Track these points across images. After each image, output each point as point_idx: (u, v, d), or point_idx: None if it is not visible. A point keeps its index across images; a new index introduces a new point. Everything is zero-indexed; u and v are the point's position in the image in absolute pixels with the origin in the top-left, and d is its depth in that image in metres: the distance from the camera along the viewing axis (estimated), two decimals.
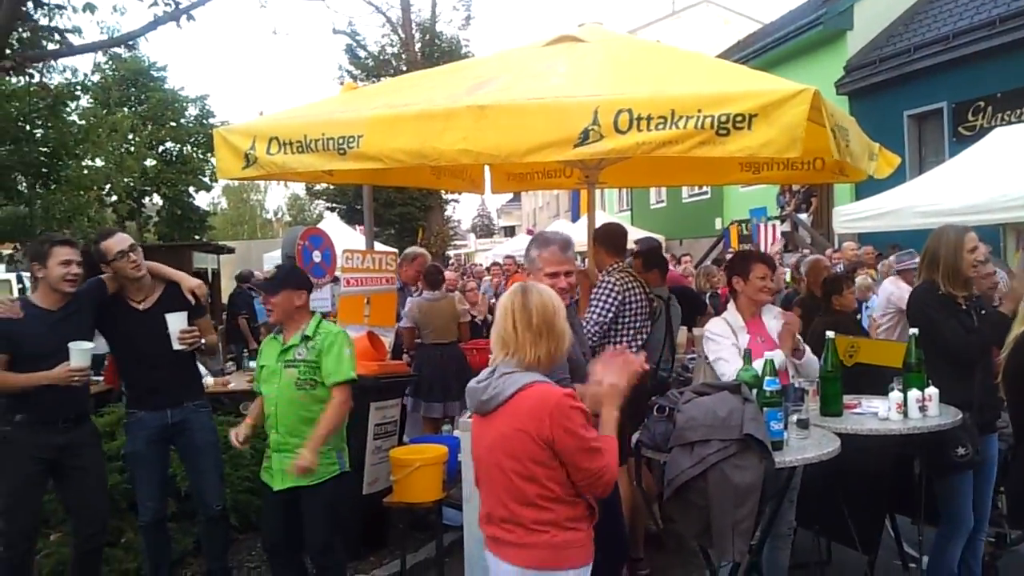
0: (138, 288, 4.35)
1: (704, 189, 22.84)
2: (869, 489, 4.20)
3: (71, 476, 4.14)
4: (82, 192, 14.15)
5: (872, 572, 4.31)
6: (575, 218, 21.51)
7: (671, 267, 8.43)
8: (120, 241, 4.29)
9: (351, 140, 4.05)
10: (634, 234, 14.23)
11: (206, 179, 27.53)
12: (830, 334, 3.99)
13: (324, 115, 4.36)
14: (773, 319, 4.17)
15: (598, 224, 5.37)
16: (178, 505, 5.07)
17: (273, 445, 4.03)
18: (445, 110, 3.89)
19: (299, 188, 51.09)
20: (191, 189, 27.74)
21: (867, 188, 11.10)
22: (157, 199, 27.51)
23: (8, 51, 5.82)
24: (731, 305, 4.25)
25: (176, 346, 4.23)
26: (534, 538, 2.57)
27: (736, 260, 4.48)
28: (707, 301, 8.43)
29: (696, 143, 3.41)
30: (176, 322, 4.24)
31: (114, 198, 21.36)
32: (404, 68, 25.83)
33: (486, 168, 6.65)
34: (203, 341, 4.41)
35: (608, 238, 5.10)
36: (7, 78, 7.28)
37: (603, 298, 4.71)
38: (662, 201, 27.25)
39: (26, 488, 4.01)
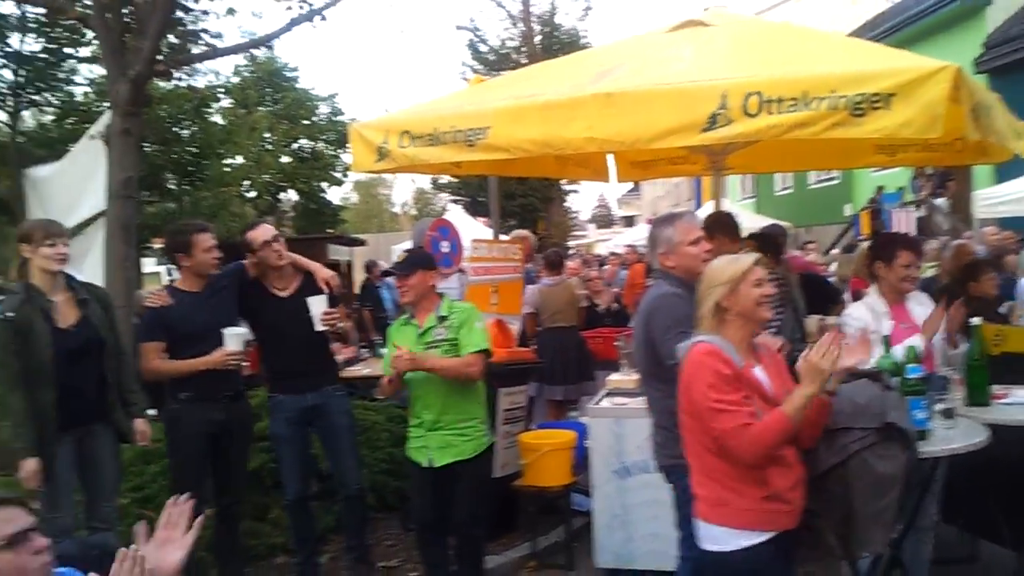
0: (279, 276, 4.59)
1: (833, 174, 21.96)
2: (1020, 484, 3.99)
3: (225, 451, 4.42)
4: (224, 189, 14.99)
5: None
6: (698, 206, 21.13)
7: (795, 253, 8.18)
8: (265, 232, 4.55)
9: (479, 132, 4.14)
10: (759, 222, 13.88)
11: (338, 174, 28.59)
12: (975, 320, 3.80)
13: (453, 108, 4.48)
14: (919, 305, 4.01)
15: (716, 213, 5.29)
16: (319, 485, 5.32)
17: (428, 425, 4.14)
18: (570, 99, 3.93)
19: (424, 182, 52.25)
20: (324, 184, 28.87)
21: (1009, 171, 10.43)
22: (292, 194, 28.74)
23: (159, 56, 6.21)
24: (872, 290, 4.11)
25: (318, 327, 4.44)
26: (700, 489, 2.73)
27: (880, 243, 4.32)
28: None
29: (830, 125, 3.32)
30: (318, 305, 4.45)
31: (253, 194, 22.46)
32: (524, 61, 25.98)
33: (609, 156, 6.64)
34: (341, 324, 4.61)
35: (724, 225, 5.02)
36: (157, 82, 7.75)
37: None
38: (788, 187, 26.37)
39: (194, 460, 4.32)
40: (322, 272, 4.75)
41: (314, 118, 28.64)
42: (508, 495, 5.30)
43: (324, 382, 4.64)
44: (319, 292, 4.60)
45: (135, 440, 4.21)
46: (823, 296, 6.71)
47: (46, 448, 3.78)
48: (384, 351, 8.07)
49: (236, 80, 23.38)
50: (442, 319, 4.15)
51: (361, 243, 16.80)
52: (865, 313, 3.96)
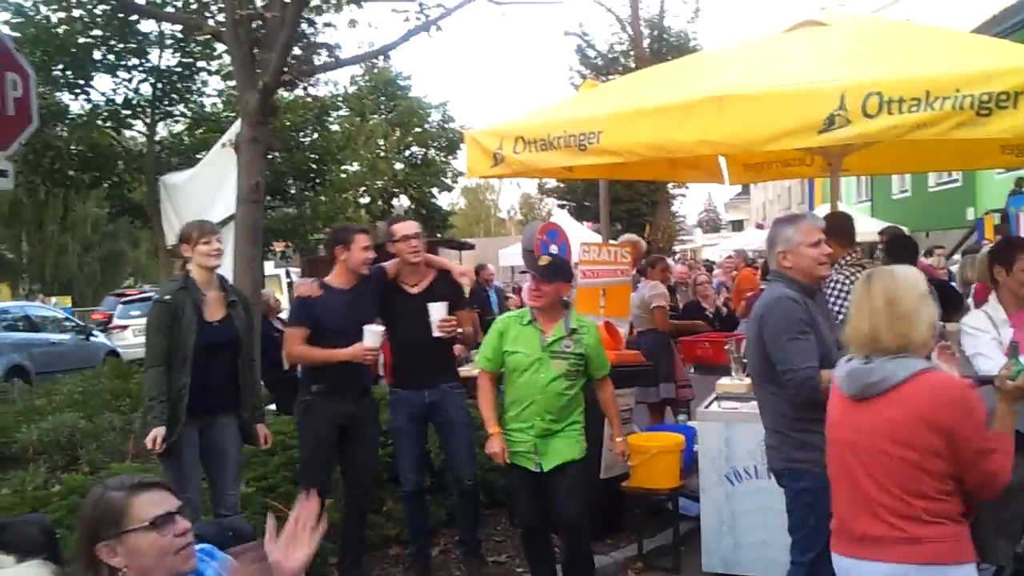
0: (412, 272, 4.77)
1: (954, 176, 20.92)
2: None
3: (353, 442, 4.61)
4: (341, 195, 15.57)
5: None
6: (810, 210, 20.56)
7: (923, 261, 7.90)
8: (408, 226, 4.76)
9: (591, 136, 4.21)
10: (875, 226, 13.39)
11: (448, 180, 29.18)
12: None
13: (565, 113, 4.57)
14: None
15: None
16: (432, 479, 5.48)
17: (538, 431, 4.20)
18: (683, 102, 3.95)
19: (530, 187, 52.55)
20: (434, 190, 29.50)
21: None
22: (404, 200, 29.48)
23: (286, 68, 6.52)
24: (992, 297, 3.96)
25: (436, 333, 4.59)
26: (928, 530, 2.38)
27: (1000, 248, 4.16)
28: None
29: (954, 125, 3.25)
30: (437, 312, 4.60)
31: (367, 200, 23.18)
32: (633, 65, 25.87)
33: (721, 159, 6.60)
34: (460, 330, 4.74)
35: (838, 228, 4.89)
36: (282, 93, 8.15)
37: (837, 297, 4.49)
38: (905, 190, 25.28)
39: (322, 449, 4.54)
40: (457, 269, 4.97)
41: (425, 125, 29.29)
42: (614, 496, 5.33)
43: (443, 379, 4.78)
44: (451, 291, 4.75)
45: (258, 441, 4.46)
46: (945, 302, 6.46)
47: (175, 427, 4.06)
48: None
49: (352, 89, 24.19)
50: (572, 332, 4.20)
51: (469, 247, 17.10)
52: (983, 321, 3.83)
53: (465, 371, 7.15)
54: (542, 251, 6.81)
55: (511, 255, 19.65)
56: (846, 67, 3.80)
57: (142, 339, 13.87)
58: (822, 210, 6.17)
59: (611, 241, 7.75)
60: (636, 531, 5.24)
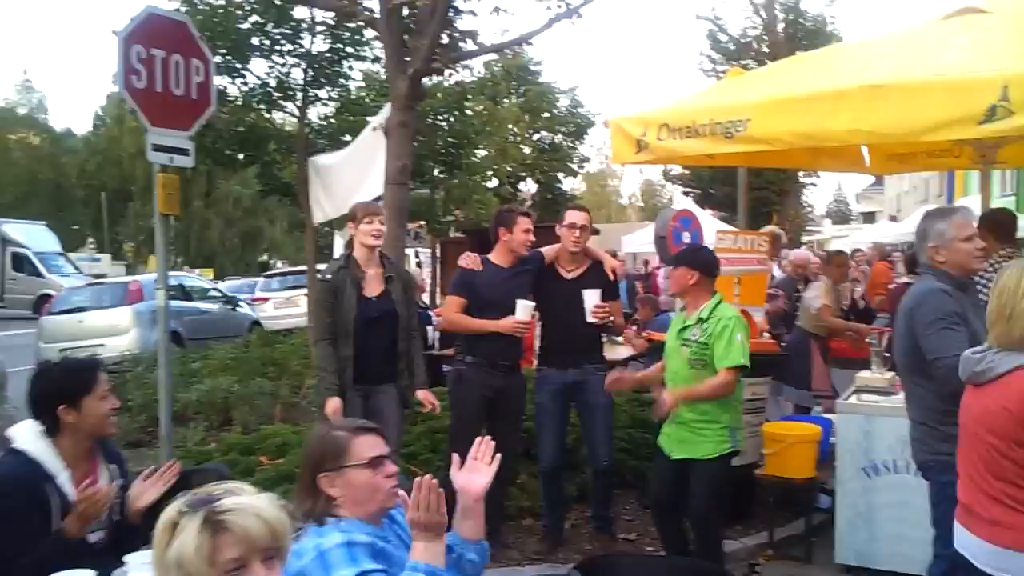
0: (570, 259, 4.95)
1: None
2: None
3: (499, 415, 4.83)
4: (473, 178, 15.94)
5: None
6: (949, 203, 19.57)
7: None
8: (579, 216, 4.91)
9: (738, 124, 4.24)
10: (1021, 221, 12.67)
11: (573, 165, 29.26)
12: None
13: (711, 101, 4.61)
14: None
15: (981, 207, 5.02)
16: (565, 456, 5.64)
17: (672, 417, 4.27)
18: (835, 91, 3.93)
19: (653, 174, 51.96)
20: (559, 175, 29.64)
21: None
22: (530, 184, 29.74)
23: (434, 54, 6.79)
24: None
25: (589, 319, 4.75)
26: (1011, 517, 2.52)
27: None
28: None
29: None
30: (591, 298, 4.76)
31: (495, 183, 23.54)
32: (766, 50, 25.19)
33: (864, 148, 6.46)
34: (612, 319, 4.88)
35: (997, 223, 4.74)
36: (430, 79, 8.46)
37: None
38: None
39: (470, 418, 4.78)
40: (610, 261, 5.11)
41: (554, 111, 29.42)
42: (745, 483, 5.36)
43: (587, 360, 4.92)
44: (603, 281, 4.90)
45: (424, 407, 4.73)
46: None
47: (341, 396, 4.38)
48: (620, 337, 8.29)
49: (487, 74, 24.53)
50: (701, 321, 4.20)
51: (595, 232, 17.15)
52: None
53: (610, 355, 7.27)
54: (675, 238, 6.85)
55: (634, 242, 19.58)
56: (1009, 56, 3.69)
57: (282, 311, 14.78)
58: (963, 203, 5.95)
59: (723, 228, 7.68)
60: (767, 519, 5.26)
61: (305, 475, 2.26)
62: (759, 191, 26.95)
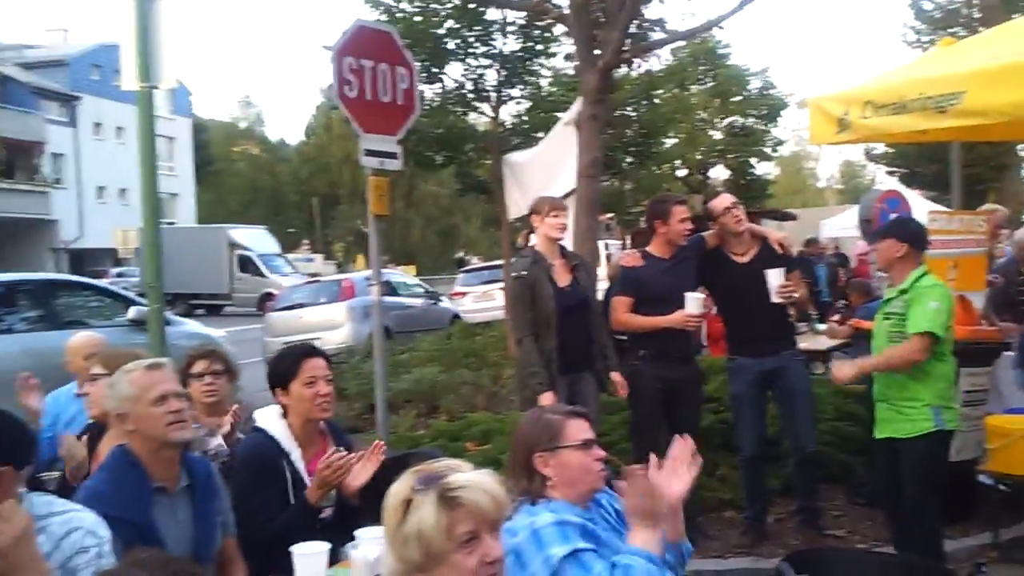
0: (738, 243, 4.87)
1: None
2: None
3: (678, 406, 4.82)
4: (660, 167, 15.80)
5: None
6: None
7: None
8: (724, 199, 4.88)
9: (952, 97, 4.01)
10: None
11: (767, 149, 28.25)
12: None
13: (920, 74, 4.37)
14: None
15: None
16: (766, 446, 5.53)
17: (876, 394, 4.15)
18: None
19: (853, 154, 49.11)
20: (752, 160, 28.73)
21: None
22: (721, 171, 29.05)
23: (624, 46, 6.84)
24: None
25: (774, 299, 4.62)
26: None
27: None
28: None
29: None
30: (775, 277, 4.63)
31: (684, 172, 23.19)
32: (977, 16, 23.11)
33: None
34: (796, 294, 4.75)
35: None
36: (620, 70, 8.51)
37: None
38: None
39: (650, 411, 4.82)
40: (773, 235, 4.99)
41: (745, 94, 28.56)
42: (965, 479, 5.03)
43: (782, 347, 4.82)
44: (776, 259, 4.79)
45: (615, 391, 4.80)
46: None
47: (554, 387, 4.50)
48: (822, 327, 7.99)
49: (674, 61, 24.27)
50: (902, 292, 4.04)
51: (792, 217, 16.52)
52: None
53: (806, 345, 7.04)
54: (881, 219, 6.51)
55: (834, 226, 18.61)
56: None
57: (480, 305, 15.22)
58: None
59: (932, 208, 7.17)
60: (991, 519, 4.91)
61: (520, 455, 2.37)
62: (972, 168, 24.79)
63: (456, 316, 16.66)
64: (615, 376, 4.76)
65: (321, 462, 2.93)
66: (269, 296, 24.92)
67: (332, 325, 13.09)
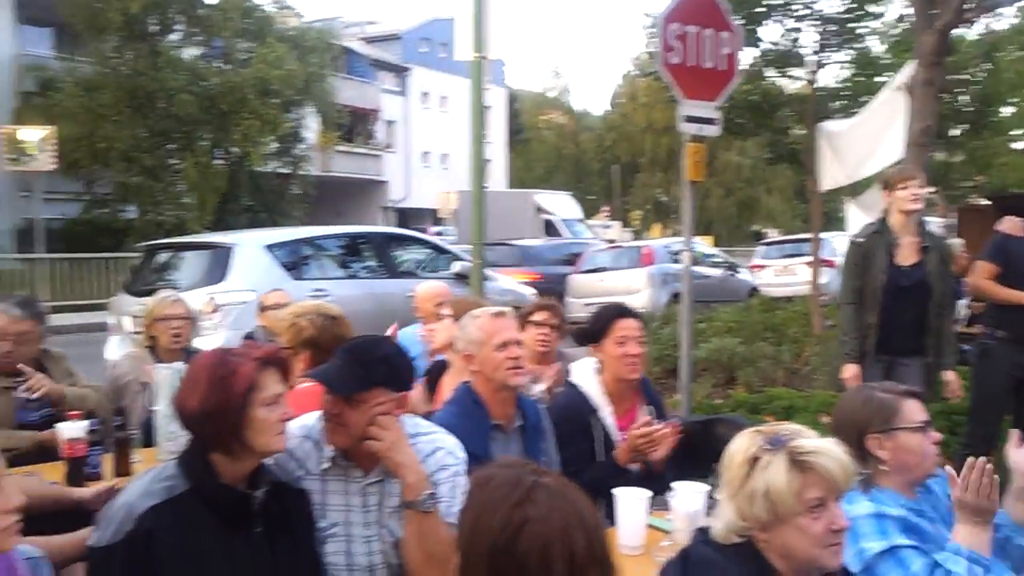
0: None
1: None
2: None
3: None
4: (998, 138, 14.11)
5: None
6: None
7: None
8: None
9: None
10: None
11: None
12: None
13: None
14: None
15: None
16: None
17: None
18: None
19: None
20: None
21: None
22: None
23: (966, 4, 6.25)
24: None
25: None
26: None
27: None
28: None
29: None
30: None
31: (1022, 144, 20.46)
32: None
33: None
34: None
35: None
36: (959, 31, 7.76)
37: None
38: None
39: (995, 396, 4.48)
40: None
41: None
42: None
43: None
44: None
45: (948, 391, 4.46)
46: None
47: (860, 362, 4.34)
48: None
49: (1022, 20, 21.46)
50: None
51: None
52: None
53: None
54: None
55: None
56: None
57: (781, 279, 14.77)
58: None
59: None
60: None
61: (850, 437, 2.21)
62: None
63: (754, 289, 16.28)
64: (948, 375, 4.41)
65: (635, 429, 3.02)
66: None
67: (631, 290, 13.38)
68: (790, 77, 11.71)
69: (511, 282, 10.75)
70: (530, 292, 10.01)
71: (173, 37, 22.20)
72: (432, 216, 36.03)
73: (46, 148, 17.39)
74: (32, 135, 17.65)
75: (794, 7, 10.72)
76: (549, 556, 1.33)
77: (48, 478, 2.91)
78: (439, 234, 24.70)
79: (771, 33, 11.14)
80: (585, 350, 3.37)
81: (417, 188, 39.70)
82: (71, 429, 3.01)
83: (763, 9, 10.58)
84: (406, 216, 38.03)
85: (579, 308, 13.11)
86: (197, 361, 2.05)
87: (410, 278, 9.22)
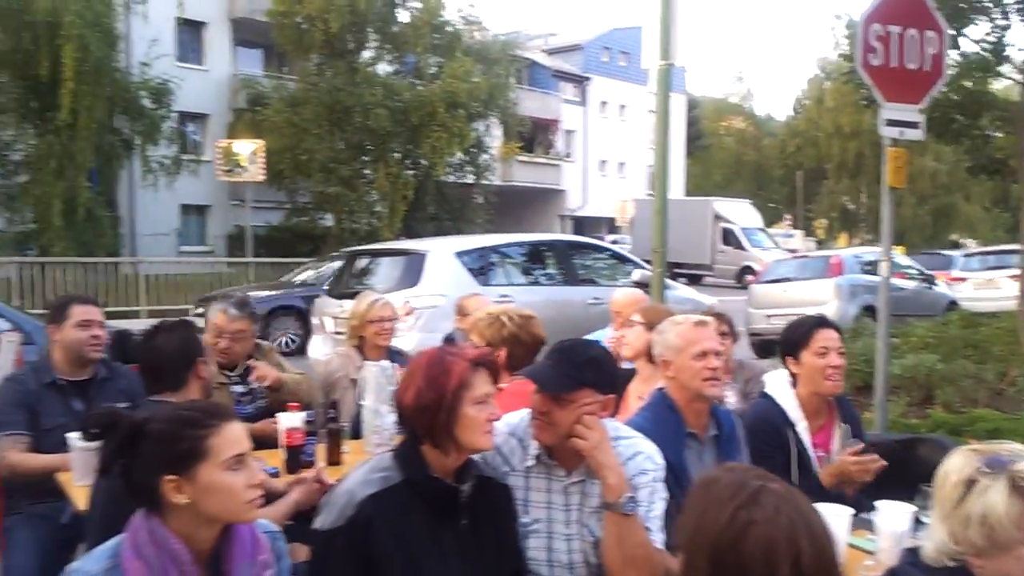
0: None
1: None
2: None
3: None
4: None
5: None
6: None
7: None
8: None
9: None
10: None
11: None
12: None
13: None
14: None
15: None
16: None
17: None
18: None
19: None
20: None
21: None
22: None
23: None
24: None
25: None
26: None
27: None
28: None
29: None
30: None
31: None
32: None
33: None
34: None
35: None
36: None
37: None
38: None
39: None
40: None
41: None
42: None
43: None
44: None
45: None
46: None
47: None
48: None
49: None
50: None
51: None
52: None
53: None
54: None
55: None
56: None
57: (982, 293, 13.81)
58: None
59: None
60: None
61: None
62: None
63: (953, 303, 15.21)
64: None
65: (848, 458, 2.94)
66: (748, 269, 25.09)
67: (818, 301, 12.81)
68: (1000, 77, 10.90)
69: (690, 291, 10.62)
70: (709, 301, 9.85)
71: (367, 54, 23.53)
72: (608, 224, 36.08)
73: (256, 160, 18.91)
74: (244, 148, 19.23)
75: (1006, 2, 9.97)
76: (774, 559, 1.33)
77: (269, 464, 3.19)
78: (615, 242, 24.73)
79: (976, 30, 10.39)
80: (769, 363, 3.30)
81: (594, 197, 39.94)
82: (291, 419, 3.28)
83: (965, 5, 9.90)
84: (583, 224, 38.31)
85: (760, 319, 12.74)
86: (416, 358, 2.21)
87: (590, 285, 9.33)
